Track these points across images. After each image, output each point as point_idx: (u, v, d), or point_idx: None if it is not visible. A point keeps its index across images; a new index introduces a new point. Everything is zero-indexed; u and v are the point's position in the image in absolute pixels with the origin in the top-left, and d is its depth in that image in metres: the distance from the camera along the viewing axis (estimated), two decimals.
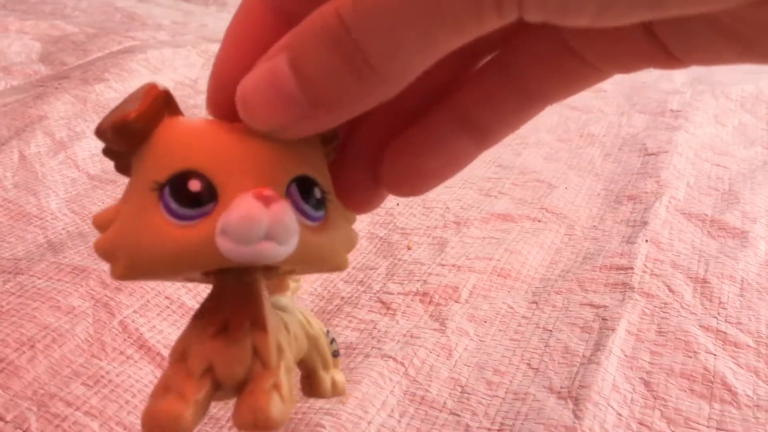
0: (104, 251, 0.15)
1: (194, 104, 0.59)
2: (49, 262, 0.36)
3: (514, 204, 0.47)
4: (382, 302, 0.36)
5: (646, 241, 0.41)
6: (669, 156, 0.53)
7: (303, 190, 0.15)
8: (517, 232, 0.43)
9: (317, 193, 0.15)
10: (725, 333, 0.34)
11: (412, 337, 0.33)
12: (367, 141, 0.18)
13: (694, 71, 0.73)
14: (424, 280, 0.38)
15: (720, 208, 0.46)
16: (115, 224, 0.15)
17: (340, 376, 0.20)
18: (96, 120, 0.53)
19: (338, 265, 0.16)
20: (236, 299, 0.16)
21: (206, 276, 0.16)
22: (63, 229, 0.40)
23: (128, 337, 0.32)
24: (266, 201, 0.13)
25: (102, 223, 0.15)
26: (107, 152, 0.16)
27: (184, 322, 0.33)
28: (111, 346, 0.31)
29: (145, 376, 0.30)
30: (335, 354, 0.20)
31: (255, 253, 0.13)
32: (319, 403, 0.29)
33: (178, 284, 0.35)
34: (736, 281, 0.38)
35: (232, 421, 0.15)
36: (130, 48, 0.68)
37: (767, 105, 0.64)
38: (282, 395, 0.15)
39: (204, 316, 0.16)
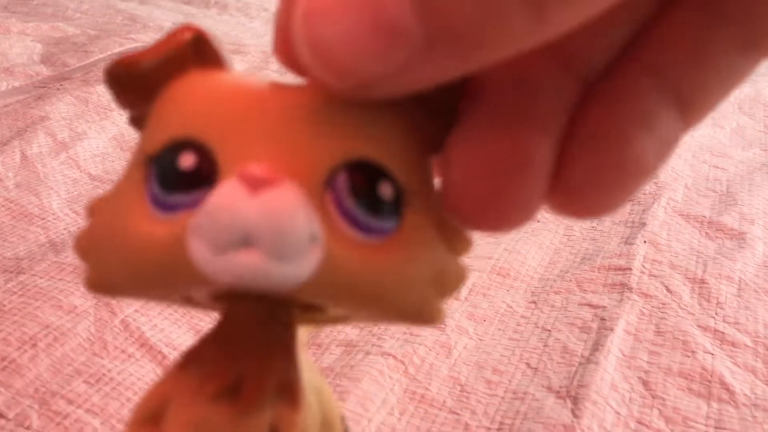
0: (78, 249, 0.11)
1: None
2: (51, 261, 0.36)
3: None
4: None
5: (645, 242, 0.41)
6: None
7: (358, 183, 0.10)
8: (516, 232, 0.43)
9: (385, 190, 0.10)
10: (723, 333, 0.34)
11: (411, 334, 0.34)
12: None
13: None
14: None
15: (718, 210, 0.46)
16: (98, 214, 0.11)
17: None
18: (97, 120, 0.53)
19: (417, 313, 0.10)
20: (256, 346, 0.11)
21: (216, 302, 0.11)
22: (64, 229, 0.40)
23: (129, 336, 0.32)
24: (254, 184, 0.09)
25: (92, 211, 0.11)
26: (132, 119, 0.11)
27: (185, 321, 0.33)
28: (112, 345, 0.31)
29: (147, 374, 0.30)
30: None
31: (234, 269, 0.09)
32: None
33: None
34: (734, 282, 0.38)
35: None
36: (132, 50, 0.68)
37: (765, 107, 0.65)
38: None
39: (201, 362, 0.11)
